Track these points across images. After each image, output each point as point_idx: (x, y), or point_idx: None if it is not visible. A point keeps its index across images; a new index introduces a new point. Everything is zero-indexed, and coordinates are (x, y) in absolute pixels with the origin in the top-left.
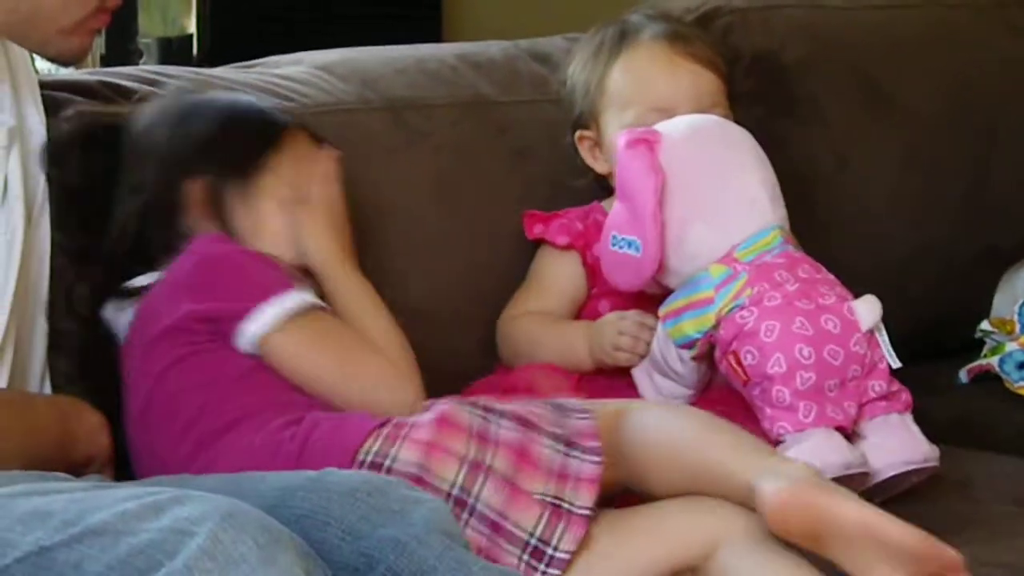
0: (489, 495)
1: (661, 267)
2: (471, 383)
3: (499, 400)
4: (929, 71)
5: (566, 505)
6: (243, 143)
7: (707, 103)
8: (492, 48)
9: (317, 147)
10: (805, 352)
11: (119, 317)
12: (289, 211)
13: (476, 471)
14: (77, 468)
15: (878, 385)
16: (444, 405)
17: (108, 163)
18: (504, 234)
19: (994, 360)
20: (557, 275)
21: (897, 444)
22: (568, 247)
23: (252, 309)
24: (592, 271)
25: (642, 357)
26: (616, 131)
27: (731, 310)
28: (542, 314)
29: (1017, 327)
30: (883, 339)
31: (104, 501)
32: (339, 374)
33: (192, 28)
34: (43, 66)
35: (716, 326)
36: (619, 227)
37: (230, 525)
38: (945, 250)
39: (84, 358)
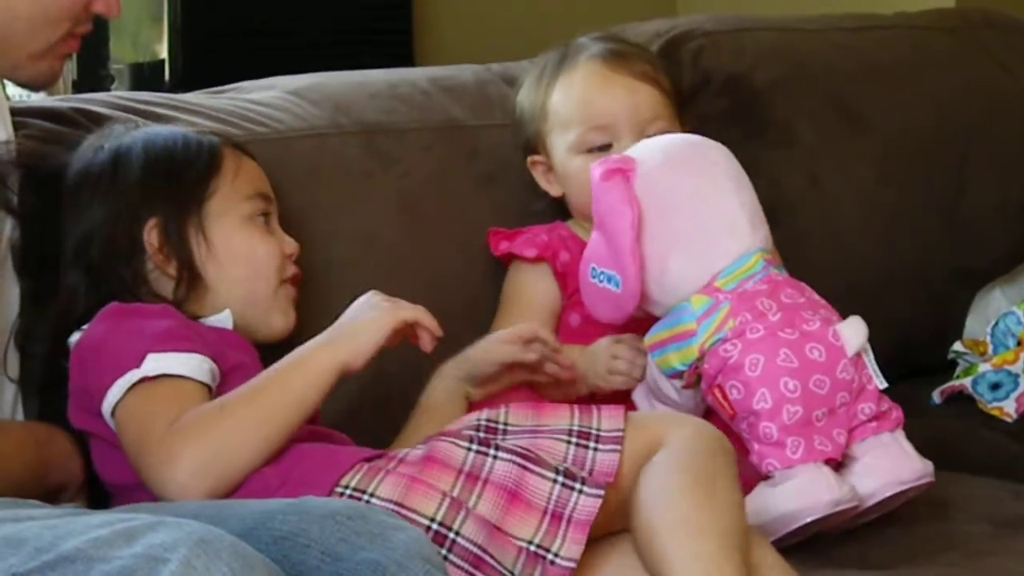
0: (470, 530)
1: (643, 298)
2: None
3: (529, 412)
4: (902, 93)
5: (550, 556)
6: (179, 177)
7: (647, 116)
8: (464, 72)
9: (250, 159)
10: (791, 385)
11: None
12: (252, 230)
13: (457, 508)
14: (51, 494)
15: (868, 408)
16: (441, 441)
17: (46, 204)
18: (475, 257)
19: (967, 381)
20: (532, 291)
21: (889, 464)
22: (538, 259)
23: (103, 395)
24: (563, 280)
25: (639, 380)
26: (563, 153)
27: (714, 343)
28: None
29: (990, 348)
30: (870, 360)
31: (77, 528)
32: (130, 453)
33: (164, 54)
34: (14, 92)
35: (701, 359)
36: (597, 259)
37: (203, 551)
38: (918, 271)
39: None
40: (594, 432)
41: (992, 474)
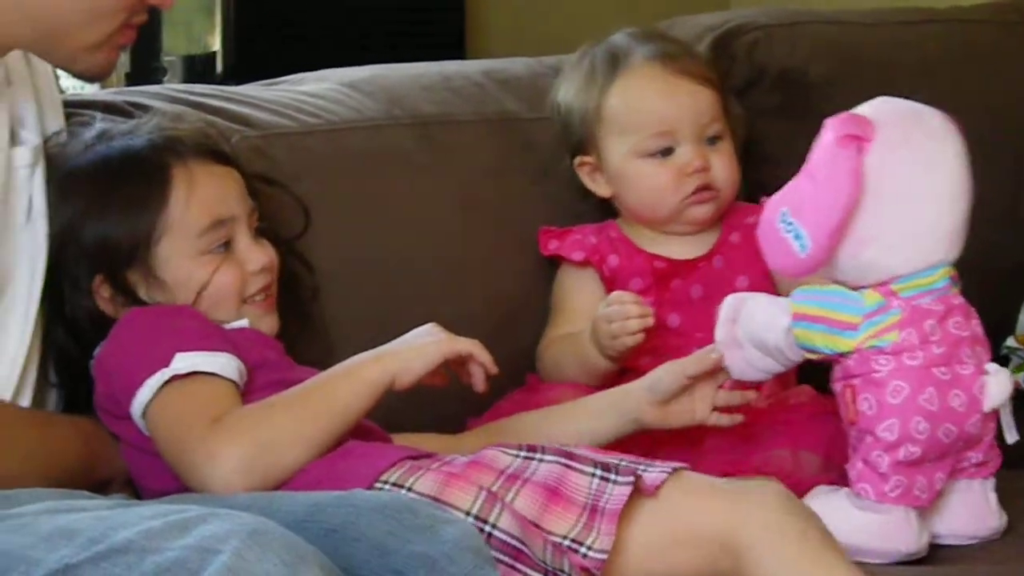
0: (507, 523)
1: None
2: (498, 398)
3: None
4: (956, 88)
5: (583, 550)
6: (120, 224)
7: (707, 120)
8: (517, 65)
9: (218, 165)
10: (921, 427)
11: None
12: (209, 264)
13: (493, 501)
14: (98, 487)
15: (975, 456)
16: (488, 450)
17: None
18: (529, 249)
19: (1019, 377)
20: (577, 296)
21: (969, 516)
22: (584, 263)
23: (132, 397)
24: (611, 285)
25: (637, 333)
26: (619, 156)
27: (870, 347)
28: (565, 336)
29: None
30: (1006, 415)
31: (129, 519)
32: (165, 452)
33: (216, 46)
34: (67, 84)
35: (850, 352)
36: (794, 208)
37: (255, 543)
38: (971, 266)
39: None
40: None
41: None
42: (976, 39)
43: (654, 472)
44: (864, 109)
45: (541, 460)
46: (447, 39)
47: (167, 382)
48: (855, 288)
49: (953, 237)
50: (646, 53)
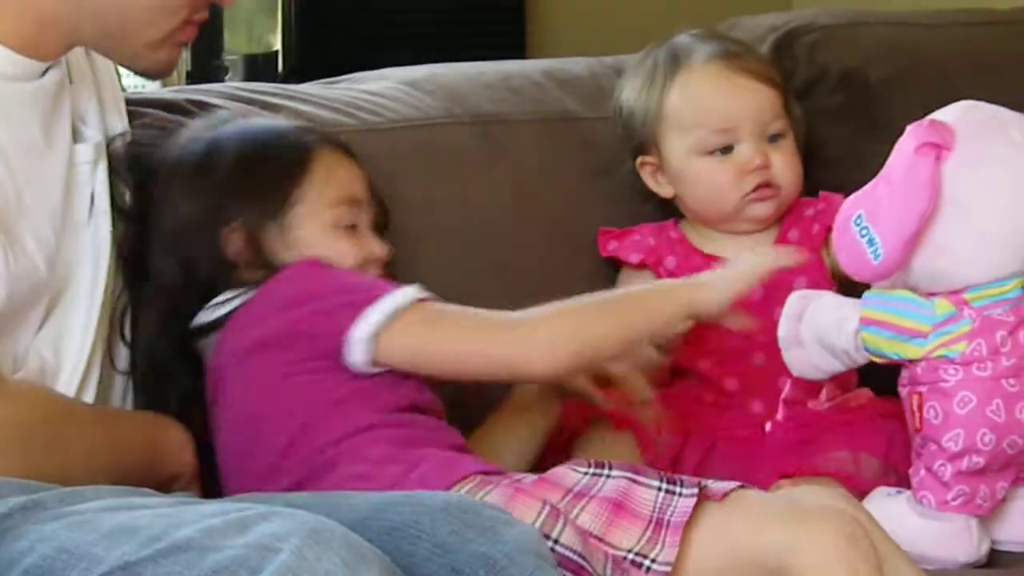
0: (570, 538)
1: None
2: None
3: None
4: (1017, 89)
5: (647, 563)
6: (268, 180)
7: (768, 118)
8: (577, 65)
9: (349, 159)
10: (987, 439)
11: (205, 343)
12: (336, 237)
13: (556, 516)
14: (163, 484)
15: None
16: (558, 468)
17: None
18: (587, 249)
19: None
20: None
21: None
22: (641, 265)
23: (356, 317)
24: None
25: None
26: (681, 154)
27: (939, 356)
28: None
29: None
30: None
31: (190, 517)
32: (466, 350)
33: (278, 45)
34: (129, 83)
35: (918, 360)
36: (870, 211)
37: (315, 542)
38: None
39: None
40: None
41: None
42: None
43: (716, 488)
44: (946, 115)
45: (608, 476)
46: (508, 40)
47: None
48: (927, 295)
49: None
50: (708, 52)
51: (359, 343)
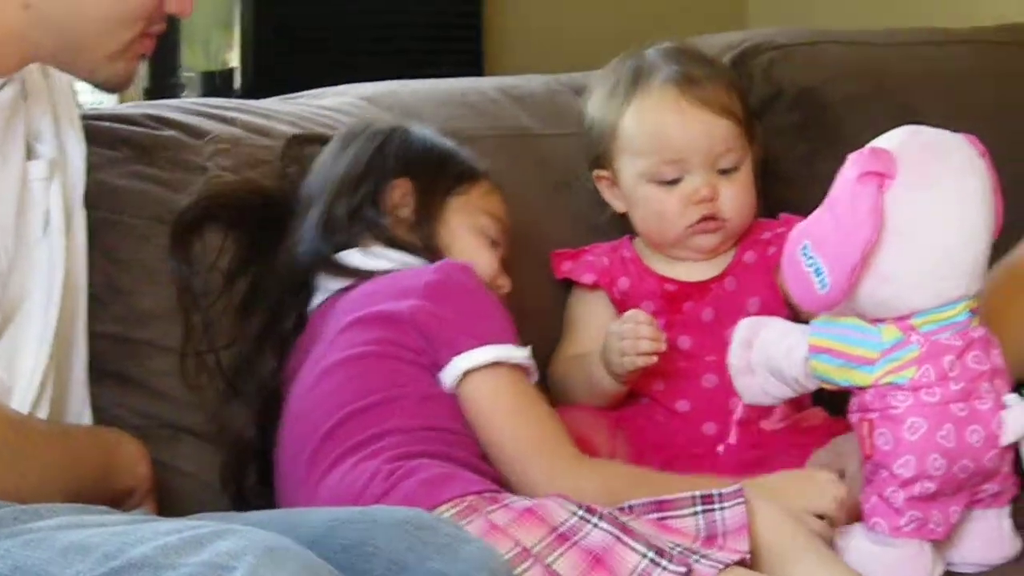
0: None
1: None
2: None
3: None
4: (976, 108)
5: None
6: (448, 164)
7: (720, 150)
8: (533, 82)
9: (501, 201)
10: (938, 464)
11: (327, 283)
12: (480, 241)
13: (524, 557)
14: (118, 498)
15: (992, 488)
16: (551, 499)
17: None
18: (543, 265)
19: None
20: (587, 318)
21: (983, 546)
22: (595, 285)
23: (475, 345)
24: (622, 307)
25: (650, 354)
26: (631, 177)
27: (887, 383)
28: (574, 357)
29: None
30: None
31: (145, 534)
32: (522, 440)
33: (235, 62)
34: (87, 100)
35: (867, 387)
36: (815, 241)
37: (270, 560)
38: None
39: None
40: (716, 495)
41: None
42: (996, 60)
43: (706, 564)
44: (888, 141)
45: (596, 525)
46: (465, 57)
47: (500, 362)
48: (874, 321)
49: (975, 272)
50: (667, 75)
51: (456, 367)
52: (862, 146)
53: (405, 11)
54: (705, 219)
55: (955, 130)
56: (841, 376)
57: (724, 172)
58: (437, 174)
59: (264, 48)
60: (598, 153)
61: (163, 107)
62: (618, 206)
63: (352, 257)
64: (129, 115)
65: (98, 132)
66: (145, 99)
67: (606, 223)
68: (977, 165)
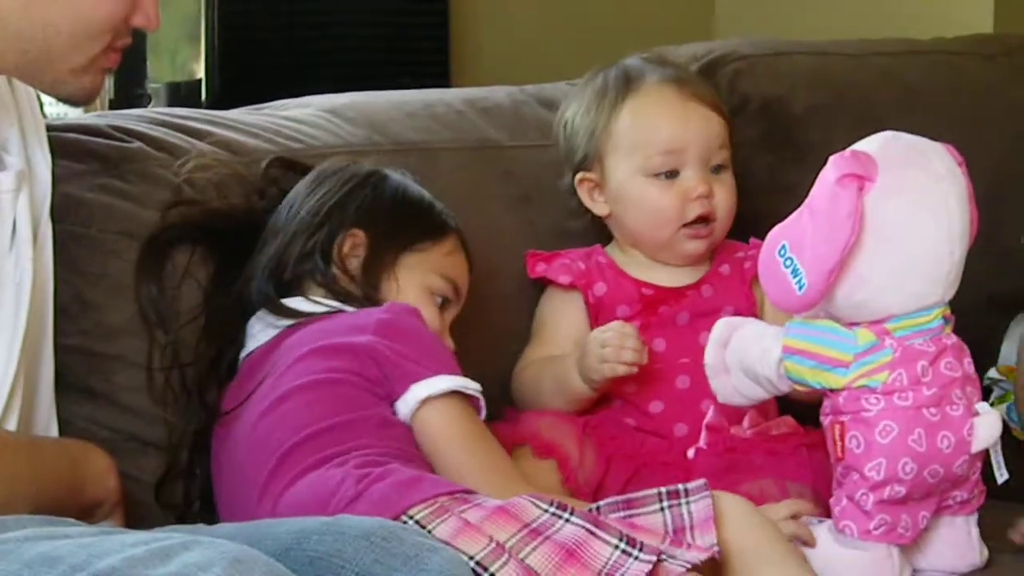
0: (508, 574)
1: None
2: None
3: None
4: (938, 118)
5: None
6: (411, 219)
7: (715, 145)
8: (499, 93)
9: (468, 260)
10: (908, 468)
11: (261, 329)
12: (427, 300)
13: (499, 553)
14: (86, 510)
15: (961, 495)
16: (523, 498)
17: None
18: (508, 277)
19: (1002, 408)
20: (559, 319)
21: (951, 553)
22: (571, 286)
23: (432, 374)
24: (595, 311)
25: (630, 364)
26: (623, 175)
27: (860, 386)
28: (546, 358)
29: None
30: (996, 454)
31: (112, 546)
32: (477, 468)
33: (201, 73)
34: (51, 111)
35: (840, 390)
36: (793, 242)
37: (237, 570)
38: (954, 298)
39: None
40: (681, 490)
41: None
42: (958, 71)
43: (676, 563)
44: (868, 145)
45: (568, 521)
46: (432, 68)
47: (457, 391)
48: (849, 324)
49: (950, 278)
50: (661, 75)
51: (413, 396)
52: (825, 157)
53: (372, 23)
54: (700, 219)
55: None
56: (814, 378)
57: (715, 171)
58: (396, 228)
59: (230, 59)
60: (585, 156)
61: (130, 118)
62: (599, 210)
63: (295, 303)
64: (95, 126)
65: (64, 144)
66: (111, 110)
67: (571, 236)
68: (955, 173)
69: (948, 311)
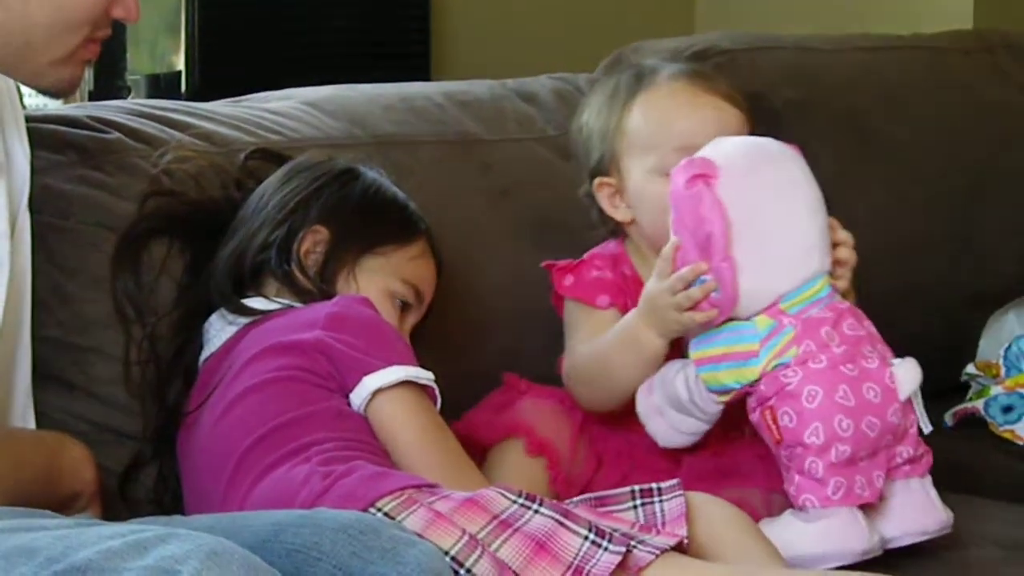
0: (483, 569)
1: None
2: (476, 402)
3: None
4: (918, 114)
5: None
6: (377, 221)
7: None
8: (479, 87)
9: (436, 266)
10: (844, 424)
11: (220, 328)
12: (387, 303)
13: (473, 546)
14: (63, 501)
15: (906, 451)
16: (490, 490)
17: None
18: (487, 270)
19: (979, 403)
20: (598, 330)
21: (915, 514)
22: (610, 307)
23: (383, 365)
24: None
25: (714, 308)
26: (640, 175)
27: (775, 367)
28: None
29: (1002, 370)
30: (918, 404)
31: (89, 538)
32: (432, 459)
33: (181, 65)
34: (31, 102)
35: (757, 380)
36: (683, 259)
37: (214, 563)
38: (932, 293)
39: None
40: (655, 488)
41: (1004, 497)
42: (938, 67)
43: (645, 550)
44: (703, 151)
45: (537, 511)
46: (413, 61)
47: (410, 380)
48: (748, 318)
49: (821, 248)
50: (673, 71)
51: (366, 388)
52: (806, 151)
53: (353, 16)
54: None
55: (898, 136)
56: (732, 378)
57: None
58: (360, 228)
59: (210, 51)
60: (601, 159)
61: (109, 109)
62: (621, 215)
63: (252, 302)
64: (74, 117)
65: (43, 135)
66: (90, 101)
67: (551, 230)
68: (788, 151)
69: (832, 279)
